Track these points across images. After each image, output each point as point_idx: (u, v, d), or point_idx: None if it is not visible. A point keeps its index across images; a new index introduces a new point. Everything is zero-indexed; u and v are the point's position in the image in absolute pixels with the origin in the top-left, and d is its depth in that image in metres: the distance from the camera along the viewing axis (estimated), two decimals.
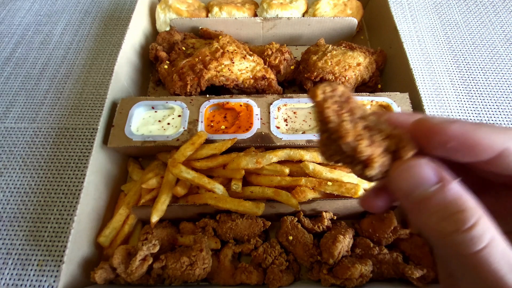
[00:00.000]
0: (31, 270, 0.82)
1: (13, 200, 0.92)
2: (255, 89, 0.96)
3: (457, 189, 0.26)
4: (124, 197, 0.85)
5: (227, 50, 0.96)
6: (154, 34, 1.19)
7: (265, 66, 0.98)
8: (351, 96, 0.31)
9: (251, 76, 0.94)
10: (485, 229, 0.25)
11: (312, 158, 0.77)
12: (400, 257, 0.73)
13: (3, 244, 0.85)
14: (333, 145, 0.31)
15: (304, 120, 0.88)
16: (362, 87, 1.02)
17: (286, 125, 0.88)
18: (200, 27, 1.12)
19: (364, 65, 0.97)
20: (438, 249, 0.28)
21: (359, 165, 0.30)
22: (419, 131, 0.29)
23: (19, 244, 0.85)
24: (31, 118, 1.07)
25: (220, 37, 1.02)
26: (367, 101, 0.87)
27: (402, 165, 0.28)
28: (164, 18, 1.14)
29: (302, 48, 1.12)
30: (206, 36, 1.12)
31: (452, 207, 0.25)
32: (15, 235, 0.86)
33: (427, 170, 0.27)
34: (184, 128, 0.84)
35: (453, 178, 0.27)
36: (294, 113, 0.90)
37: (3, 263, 0.82)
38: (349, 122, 0.29)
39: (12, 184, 0.94)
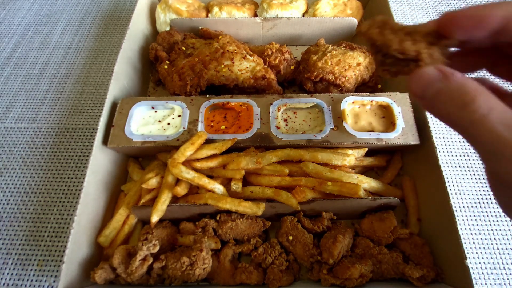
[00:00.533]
0: (31, 270, 0.82)
1: (13, 200, 0.92)
2: (255, 89, 0.96)
3: (458, 78, 0.32)
4: (124, 197, 0.85)
5: (227, 50, 0.96)
6: (154, 34, 1.19)
7: (265, 66, 0.98)
8: (389, 19, 0.39)
9: (251, 76, 0.94)
10: (484, 101, 0.30)
11: (312, 158, 0.77)
12: (400, 257, 0.73)
13: (3, 244, 0.85)
14: (388, 59, 0.38)
15: (304, 120, 0.88)
16: (362, 87, 1.02)
17: (286, 125, 0.88)
18: (200, 27, 1.12)
19: (364, 65, 0.97)
20: (457, 129, 0.33)
21: (414, 64, 0.36)
22: (445, 22, 0.35)
23: (19, 244, 0.85)
24: (31, 118, 1.07)
25: (220, 37, 1.02)
26: (367, 101, 0.87)
27: (413, 75, 0.34)
28: (164, 18, 1.14)
29: (302, 48, 1.12)
30: (206, 36, 1.12)
31: (456, 92, 0.31)
32: (15, 235, 0.86)
33: (431, 72, 0.33)
34: (184, 128, 0.84)
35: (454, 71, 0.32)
36: (294, 113, 0.90)
37: (3, 263, 0.82)
38: (390, 34, 0.37)
39: (12, 184, 0.94)
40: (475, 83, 0.31)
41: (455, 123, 0.31)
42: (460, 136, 0.34)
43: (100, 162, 0.81)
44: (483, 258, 0.83)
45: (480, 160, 0.33)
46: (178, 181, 0.78)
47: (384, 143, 0.81)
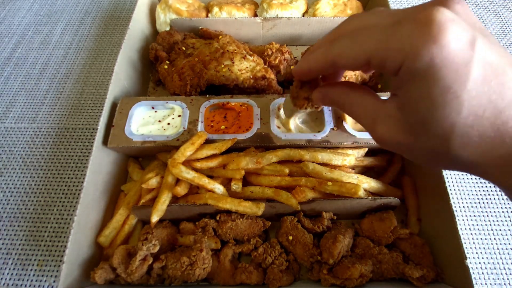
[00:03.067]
0: (31, 270, 0.82)
1: (13, 200, 0.92)
2: (255, 89, 0.96)
3: (318, 92, 0.51)
4: (124, 197, 0.85)
5: (227, 50, 0.96)
6: (154, 34, 1.18)
7: (265, 66, 0.98)
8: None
9: (251, 76, 0.94)
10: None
11: (312, 158, 0.77)
12: (400, 257, 0.73)
13: (3, 244, 0.85)
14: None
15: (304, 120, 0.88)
16: None
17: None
18: (200, 27, 1.12)
19: None
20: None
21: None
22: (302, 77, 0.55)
23: (19, 244, 0.85)
24: (31, 118, 1.07)
25: (220, 37, 1.02)
26: None
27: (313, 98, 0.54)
28: (164, 18, 1.14)
29: (302, 48, 1.12)
30: (206, 36, 1.12)
31: (334, 95, 0.49)
32: (15, 235, 0.86)
33: (315, 95, 0.52)
34: (184, 128, 0.84)
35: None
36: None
37: (3, 263, 0.83)
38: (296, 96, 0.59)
39: (12, 184, 0.94)
40: (320, 91, 0.51)
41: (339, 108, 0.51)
42: None
43: (100, 162, 0.81)
44: (483, 258, 0.83)
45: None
46: (178, 181, 0.78)
47: None
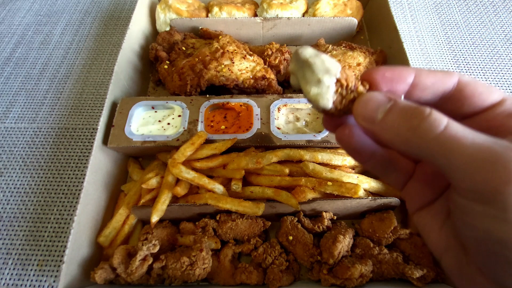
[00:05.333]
0: (31, 270, 0.82)
1: (13, 200, 0.92)
2: (255, 89, 0.96)
3: (405, 101, 0.32)
4: (124, 197, 0.85)
5: (227, 50, 0.96)
6: (154, 34, 1.19)
7: (265, 66, 0.98)
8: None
9: (251, 76, 0.94)
10: (440, 114, 0.29)
11: (312, 158, 0.77)
12: (400, 257, 0.73)
13: (3, 244, 0.85)
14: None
15: (304, 120, 0.88)
16: None
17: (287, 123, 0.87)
18: (200, 27, 1.12)
19: (364, 65, 0.97)
20: (414, 148, 0.30)
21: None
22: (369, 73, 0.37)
23: (19, 244, 0.85)
24: (31, 118, 1.07)
25: (220, 37, 1.02)
26: None
27: (359, 99, 0.34)
28: (164, 18, 1.14)
29: None
30: (206, 36, 1.12)
31: (409, 109, 0.30)
32: (15, 235, 0.86)
33: (379, 96, 0.33)
34: (184, 128, 0.84)
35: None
36: (293, 113, 0.90)
37: (3, 263, 0.82)
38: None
39: (12, 184, 0.94)
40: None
41: (411, 142, 0.30)
42: None
43: (100, 162, 0.81)
44: None
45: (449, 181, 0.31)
46: (178, 181, 0.78)
47: None
